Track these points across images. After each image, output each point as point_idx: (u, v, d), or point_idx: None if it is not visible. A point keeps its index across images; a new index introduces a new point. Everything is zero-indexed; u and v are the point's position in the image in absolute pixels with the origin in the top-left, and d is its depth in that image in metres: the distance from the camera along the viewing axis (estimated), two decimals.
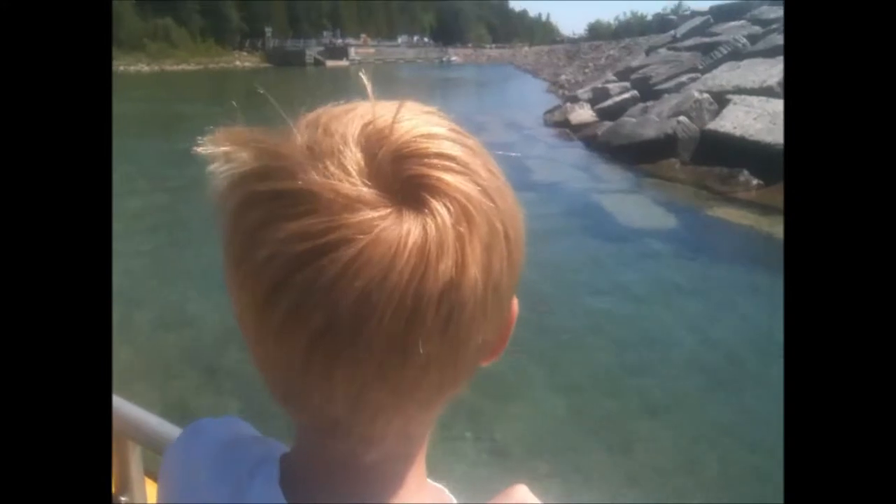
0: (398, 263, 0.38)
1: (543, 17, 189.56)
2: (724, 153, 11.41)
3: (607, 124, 16.17)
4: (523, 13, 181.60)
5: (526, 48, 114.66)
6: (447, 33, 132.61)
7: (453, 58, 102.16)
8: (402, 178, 0.40)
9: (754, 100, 12.20)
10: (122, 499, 1.28)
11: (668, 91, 15.44)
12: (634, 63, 21.40)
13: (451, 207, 0.39)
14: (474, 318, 0.41)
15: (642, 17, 40.53)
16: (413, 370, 0.41)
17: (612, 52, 33.52)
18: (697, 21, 20.69)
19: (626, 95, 17.26)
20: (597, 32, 51.25)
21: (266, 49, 78.46)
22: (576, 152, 14.96)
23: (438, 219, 0.39)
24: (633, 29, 38.71)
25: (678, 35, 20.95)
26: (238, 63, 70.35)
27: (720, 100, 13.06)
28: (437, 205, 0.39)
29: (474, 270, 0.40)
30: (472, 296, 0.40)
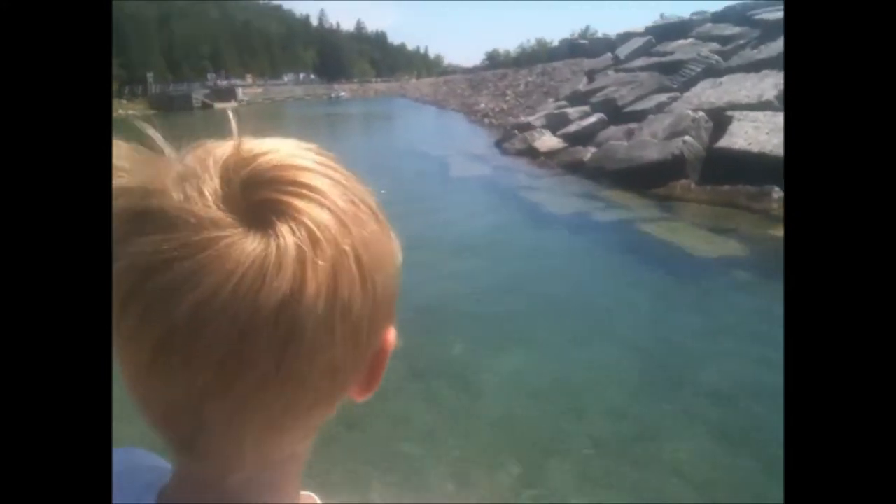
0: (234, 277, 0.40)
1: (422, 50, 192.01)
2: (739, 170, 11.09)
3: (580, 149, 15.77)
4: (402, 46, 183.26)
5: (414, 80, 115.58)
6: (330, 69, 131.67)
7: (342, 93, 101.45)
8: (254, 202, 0.42)
9: (759, 115, 12.01)
10: None
11: (644, 112, 15.15)
12: (580, 87, 21.24)
13: (296, 230, 0.42)
14: (317, 340, 0.43)
15: (546, 45, 41.00)
16: (251, 386, 0.42)
17: (529, 78, 33.57)
18: (639, 42, 20.80)
19: (592, 119, 16.92)
20: (496, 61, 51.54)
21: (149, 95, 74.62)
22: (565, 181, 14.35)
23: (281, 239, 0.41)
24: (539, 56, 38.97)
25: (622, 57, 20.95)
26: (121, 111, 66.35)
27: (716, 117, 12.83)
28: (282, 227, 0.42)
29: (314, 290, 0.42)
30: (312, 316, 0.42)
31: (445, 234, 10.14)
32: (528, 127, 19.72)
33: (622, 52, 21.54)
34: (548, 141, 17.63)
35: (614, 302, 7.04)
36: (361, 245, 0.45)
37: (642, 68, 18.61)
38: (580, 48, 34.73)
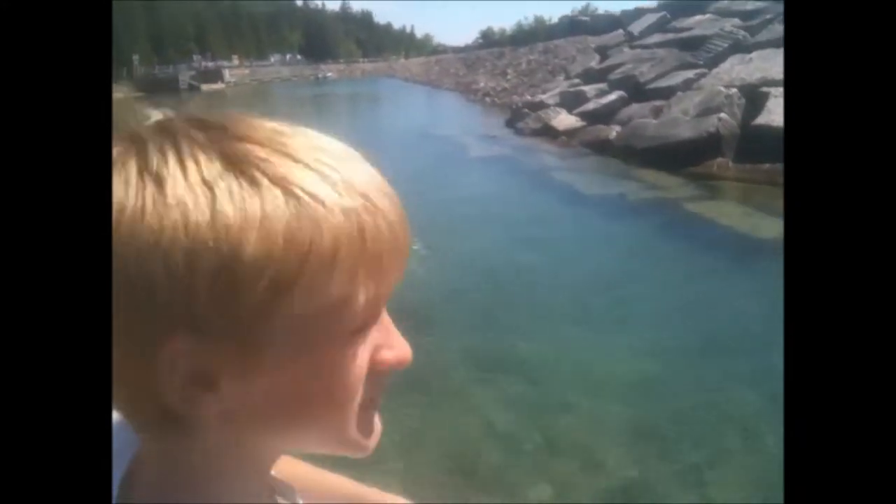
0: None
1: (408, 30, 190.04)
2: (779, 148, 10.74)
3: (602, 128, 15.38)
4: (388, 26, 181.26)
5: (402, 60, 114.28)
6: (316, 50, 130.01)
7: (329, 74, 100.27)
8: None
9: None
10: None
11: (670, 89, 14.77)
12: (592, 64, 20.81)
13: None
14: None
15: (544, 22, 40.38)
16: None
17: (531, 57, 33.05)
18: (653, 18, 20.36)
19: (611, 97, 16.52)
20: (490, 40, 50.79)
21: (134, 78, 73.20)
22: (592, 160, 13.97)
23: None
24: (538, 34, 38.40)
25: (635, 33, 20.51)
26: None
27: (749, 94, 12.48)
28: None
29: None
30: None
31: (486, 220, 9.76)
32: (540, 105, 19.29)
33: (635, 28, 21.10)
34: (565, 120, 17.23)
35: (686, 293, 6.65)
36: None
37: (659, 45, 18.19)
38: (581, 25, 34.25)
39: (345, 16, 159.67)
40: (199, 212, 0.41)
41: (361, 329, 0.47)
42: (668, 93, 14.74)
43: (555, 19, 40.11)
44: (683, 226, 9.08)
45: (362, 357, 0.47)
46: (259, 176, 0.42)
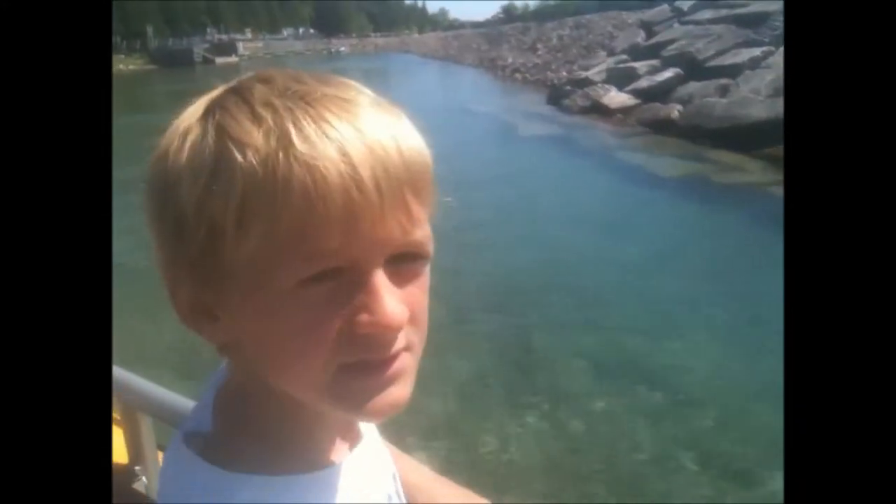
0: None
1: (420, 4, 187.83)
2: None
3: (660, 106, 14.78)
4: (400, 1, 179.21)
5: (416, 35, 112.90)
6: (327, 24, 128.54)
7: (342, 48, 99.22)
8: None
9: None
10: (136, 468, 1.37)
11: (735, 67, 14.14)
12: (638, 40, 20.11)
13: None
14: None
15: None
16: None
17: (562, 32, 32.26)
18: None
19: (667, 74, 15.90)
20: (512, 15, 49.85)
21: (149, 50, 72.41)
22: (656, 140, 13.39)
23: None
24: (566, 9, 37.56)
25: (684, 9, 19.77)
26: (122, 67, 64.24)
27: None
28: None
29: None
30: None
31: (566, 206, 9.25)
32: (586, 82, 18.66)
33: (683, 3, 20.34)
34: (617, 97, 16.62)
35: None
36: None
37: (713, 21, 17.49)
38: (612, 1, 33.42)
39: None
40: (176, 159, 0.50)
41: (319, 279, 0.47)
42: (732, 71, 14.12)
43: None
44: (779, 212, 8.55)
45: (327, 309, 0.48)
46: (251, 119, 0.48)
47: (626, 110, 15.85)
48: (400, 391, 0.51)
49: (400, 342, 0.50)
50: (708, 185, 9.96)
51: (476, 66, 40.07)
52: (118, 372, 1.24)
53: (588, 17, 32.36)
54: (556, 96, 19.70)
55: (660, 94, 15.54)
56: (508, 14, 50.47)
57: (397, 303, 0.49)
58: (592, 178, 10.99)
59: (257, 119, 0.47)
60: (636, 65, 17.42)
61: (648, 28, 20.54)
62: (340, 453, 0.60)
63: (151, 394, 1.23)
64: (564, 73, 24.75)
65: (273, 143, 0.46)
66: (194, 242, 0.48)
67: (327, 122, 0.46)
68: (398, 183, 0.48)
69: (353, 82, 0.52)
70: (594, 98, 17.29)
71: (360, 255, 0.48)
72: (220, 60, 69.23)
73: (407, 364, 0.52)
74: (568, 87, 20.04)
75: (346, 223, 0.46)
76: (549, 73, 26.64)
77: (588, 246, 7.52)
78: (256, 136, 0.46)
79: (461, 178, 10.82)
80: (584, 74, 19.72)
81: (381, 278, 0.49)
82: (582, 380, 4.74)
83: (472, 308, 5.92)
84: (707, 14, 18.07)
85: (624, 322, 5.54)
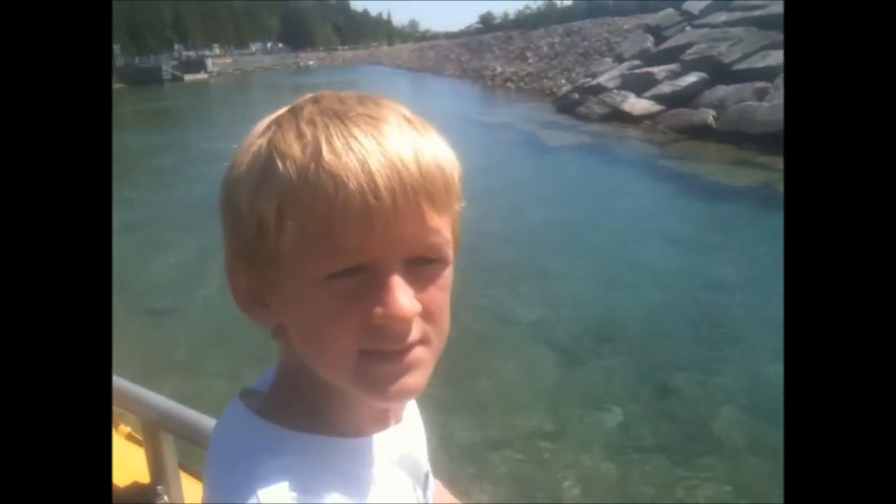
0: None
1: (385, 16, 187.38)
2: None
3: (689, 112, 14.33)
4: (365, 13, 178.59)
5: (386, 47, 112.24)
6: (294, 37, 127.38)
7: (310, 62, 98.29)
8: None
9: None
10: (158, 488, 1.35)
11: (769, 70, 13.73)
12: (648, 45, 19.72)
13: None
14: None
15: (555, 5, 39.23)
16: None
17: (552, 40, 31.88)
18: None
19: (691, 79, 15.47)
20: (490, 24, 49.47)
21: (116, 69, 70.62)
22: (696, 146, 12.89)
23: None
24: (551, 16, 37.26)
25: (694, 12, 19.42)
26: None
27: None
28: None
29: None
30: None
31: (651, 224, 8.65)
32: (599, 89, 18.18)
33: (691, 6, 20.00)
34: (638, 103, 16.16)
35: None
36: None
37: (730, 24, 17.14)
38: (602, 7, 33.17)
39: (321, 3, 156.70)
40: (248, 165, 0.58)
41: (341, 276, 0.54)
42: (766, 73, 13.71)
43: (568, 1, 38.86)
44: None
45: (348, 301, 0.54)
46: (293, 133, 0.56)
47: (650, 116, 15.38)
48: (414, 380, 0.57)
49: (414, 335, 0.56)
50: (777, 193, 9.44)
51: (459, 76, 39.56)
52: (140, 390, 1.30)
53: (577, 24, 32.01)
54: (566, 104, 19.20)
55: (685, 99, 15.11)
56: (486, 23, 50.01)
57: (409, 298, 0.55)
58: (656, 190, 10.37)
59: (300, 134, 0.55)
60: (653, 70, 16.98)
61: (657, 33, 20.16)
62: (379, 427, 0.66)
63: (174, 412, 1.25)
64: (564, 81, 24.36)
65: (307, 155, 0.54)
66: (248, 236, 0.57)
67: (354, 137, 0.54)
68: (413, 192, 0.54)
69: (390, 102, 0.59)
70: (612, 105, 16.81)
71: (377, 254, 0.54)
72: (188, 77, 67.82)
73: (422, 356, 0.58)
74: (576, 95, 19.57)
75: (364, 225, 0.53)
76: (545, 80, 26.23)
77: (696, 268, 6.90)
78: (296, 149, 0.54)
79: (513, 191, 10.15)
80: (594, 81, 19.24)
81: (395, 276, 0.55)
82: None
83: (586, 347, 5.30)
84: (722, 17, 17.71)
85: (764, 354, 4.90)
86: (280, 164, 0.54)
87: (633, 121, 15.57)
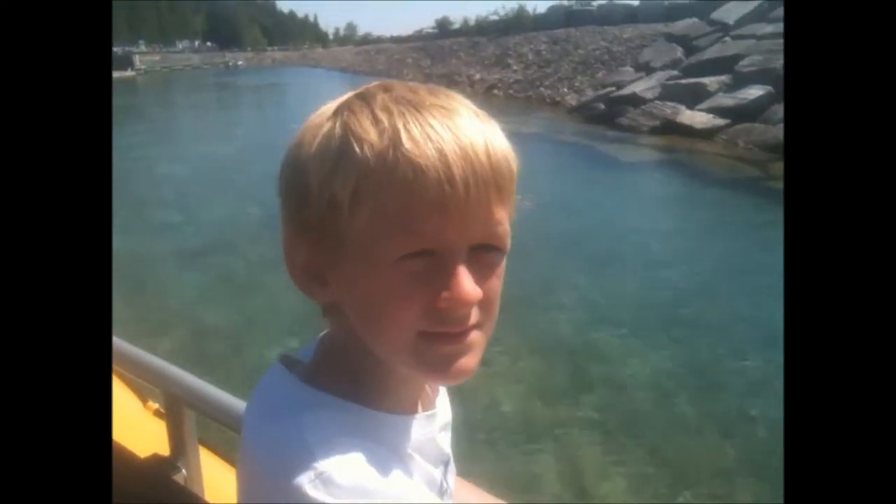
0: None
1: (311, 19, 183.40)
2: None
3: (765, 128, 13.42)
4: (292, 14, 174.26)
5: (320, 49, 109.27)
6: (221, 36, 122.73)
7: (239, 62, 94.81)
8: None
9: None
10: (178, 464, 1.37)
11: None
12: (678, 55, 18.82)
13: None
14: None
15: (527, 11, 38.15)
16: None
17: (535, 47, 30.82)
18: (750, 6, 18.55)
19: (757, 91, 14.58)
20: (447, 29, 48.11)
21: None
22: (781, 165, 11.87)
23: None
24: (523, 23, 36.19)
25: (731, 22, 18.65)
26: None
27: None
28: None
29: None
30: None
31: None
32: (636, 99, 17.13)
33: (723, 16, 19.24)
34: (695, 116, 15.14)
35: None
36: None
37: (778, 35, 16.38)
38: (582, 16, 32.38)
39: (248, 3, 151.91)
40: (317, 145, 0.60)
41: (412, 258, 0.56)
42: None
43: (541, 9, 37.92)
44: None
45: (416, 283, 0.57)
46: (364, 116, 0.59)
47: (714, 131, 14.38)
48: (469, 361, 0.60)
49: (472, 319, 0.59)
50: None
51: (422, 82, 37.84)
52: (164, 365, 1.33)
53: (561, 31, 31.06)
54: (596, 115, 18.05)
55: (752, 113, 14.20)
56: (443, 28, 48.54)
57: (473, 285, 0.57)
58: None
59: (376, 120, 0.57)
60: (704, 81, 16.04)
61: (685, 43, 19.33)
62: (413, 410, 0.69)
63: (197, 388, 1.27)
64: (566, 90, 23.33)
65: (385, 140, 0.56)
66: (315, 215, 0.59)
67: (431, 126, 0.56)
68: (484, 183, 0.56)
69: (457, 95, 0.62)
70: (662, 116, 15.75)
71: (448, 240, 0.57)
72: (116, 75, 63.48)
73: (476, 340, 0.61)
74: (601, 105, 18.50)
75: (438, 213, 0.55)
76: (542, 89, 25.13)
77: None
78: (373, 134, 0.56)
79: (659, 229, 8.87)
80: (623, 91, 18.19)
81: (462, 263, 0.58)
82: None
83: None
84: (767, 28, 16.96)
85: None
86: (357, 148, 0.56)
87: (694, 134, 14.53)
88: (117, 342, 1.39)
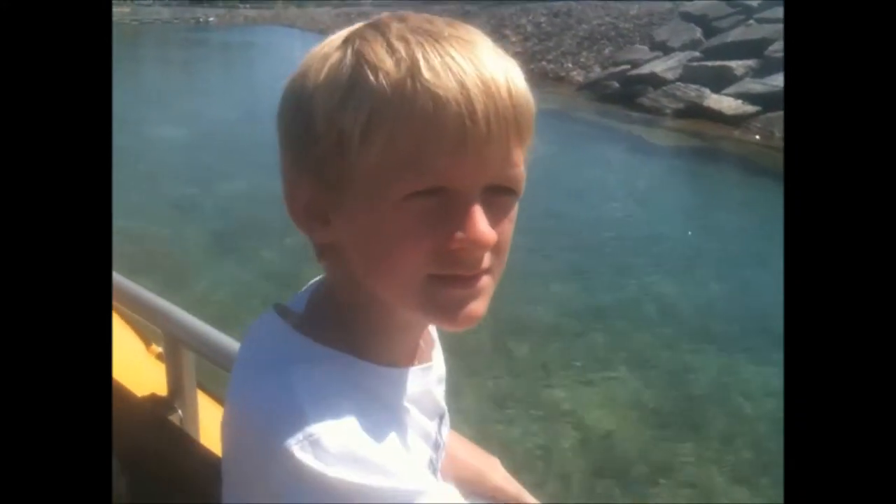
0: None
1: None
2: None
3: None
4: None
5: (294, 8, 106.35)
6: None
7: (211, 18, 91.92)
8: None
9: None
10: (175, 405, 1.37)
11: None
12: (697, 35, 18.14)
13: None
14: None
15: None
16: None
17: (534, 18, 29.86)
18: None
19: None
20: None
21: None
22: None
23: None
24: None
25: (754, 4, 17.93)
26: None
27: None
28: None
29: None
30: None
31: None
32: (656, 80, 16.43)
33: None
34: (723, 101, 14.52)
35: None
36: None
37: None
38: None
39: None
40: (323, 76, 0.57)
41: (422, 196, 0.54)
42: None
43: None
44: None
45: (426, 223, 0.55)
46: (376, 45, 0.56)
47: (745, 118, 13.78)
48: (478, 306, 0.58)
49: (485, 263, 0.57)
50: None
51: None
52: (166, 305, 1.33)
53: (562, 4, 30.15)
54: (609, 94, 17.33)
55: (782, 101, 13.59)
56: None
57: (489, 226, 0.55)
58: None
59: (392, 49, 0.54)
60: (732, 64, 15.40)
61: (705, 24, 18.61)
62: (408, 362, 0.66)
63: (197, 330, 1.28)
64: (571, 65, 22.54)
65: (403, 70, 0.53)
66: (321, 150, 0.55)
67: (451, 57, 0.53)
68: (504, 121, 0.55)
69: (474, 28, 0.59)
70: (687, 99, 15.10)
71: (464, 178, 0.54)
72: None
73: (487, 284, 0.59)
74: (615, 83, 17.78)
75: (456, 149, 0.53)
76: (544, 63, 24.27)
77: None
78: (389, 63, 0.53)
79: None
80: (641, 70, 17.47)
81: (477, 203, 0.55)
82: None
83: None
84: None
85: None
86: (371, 77, 0.53)
87: (723, 120, 13.91)
88: (118, 279, 1.36)
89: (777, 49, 15.12)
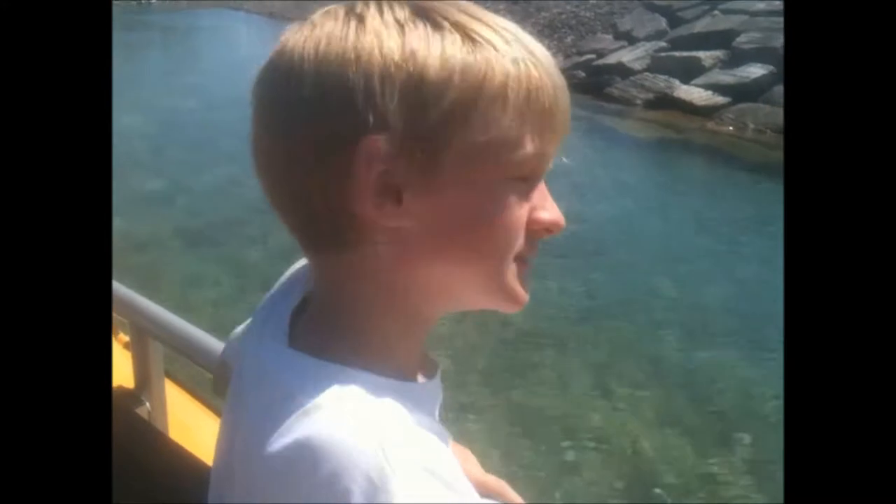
0: None
1: None
2: None
3: (770, 108, 12.92)
4: None
5: None
6: None
7: (153, 0, 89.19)
8: None
9: None
10: (142, 397, 1.35)
11: None
12: (662, 26, 18.13)
13: None
14: None
15: None
16: None
17: (494, 5, 29.60)
18: None
19: (760, 70, 14.05)
20: None
21: None
22: None
23: None
24: None
25: None
26: None
27: None
28: None
29: None
30: None
31: None
32: (623, 69, 16.34)
33: None
34: (693, 92, 14.50)
35: None
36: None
37: (772, 12, 15.85)
38: None
39: None
40: (392, 40, 0.52)
41: (525, 179, 0.54)
42: None
43: None
44: None
45: (522, 206, 0.54)
46: (441, 21, 0.53)
47: (715, 109, 13.79)
48: (528, 289, 0.58)
49: None
50: None
51: None
52: (131, 295, 1.28)
53: None
54: (576, 84, 17.17)
55: (753, 92, 13.68)
56: None
57: None
58: None
59: (495, 30, 0.54)
60: (699, 55, 15.39)
61: (669, 14, 18.58)
62: (422, 376, 0.63)
63: (164, 320, 1.24)
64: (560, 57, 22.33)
65: (516, 50, 0.53)
66: (423, 125, 0.52)
67: (529, 42, 0.55)
68: (566, 87, 0.56)
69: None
70: (656, 90, 15.06)
71: (548, 161, 0.55)
72: None
73: None
74: (581, 73, 17.64)
75: (553, 130, 0.54)
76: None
77: None
78: (500, 42, 0.53)
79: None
80: (607, 60, 17.38)
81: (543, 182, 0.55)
82: None
83: None
84: (760, 5, 16.39)
85: None
86: (492, 55, 0.53)
87: (694, 111, 13.90)
88: None
89: (746, 41, 15.18)
